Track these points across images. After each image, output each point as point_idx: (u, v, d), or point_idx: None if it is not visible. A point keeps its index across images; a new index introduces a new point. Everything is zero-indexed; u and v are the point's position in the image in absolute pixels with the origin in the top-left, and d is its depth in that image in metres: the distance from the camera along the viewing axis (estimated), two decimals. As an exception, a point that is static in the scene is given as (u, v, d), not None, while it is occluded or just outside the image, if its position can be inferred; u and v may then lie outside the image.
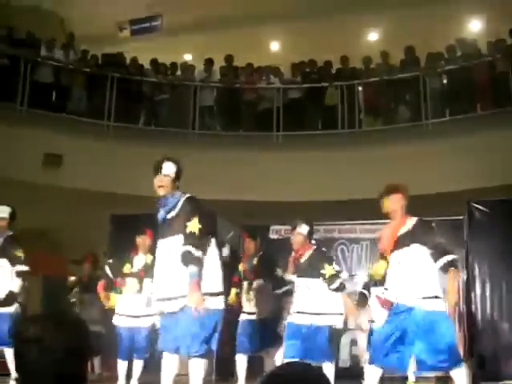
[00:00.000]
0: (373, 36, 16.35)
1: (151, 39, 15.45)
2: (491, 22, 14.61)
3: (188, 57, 16.23)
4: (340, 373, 9.44)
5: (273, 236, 10.84)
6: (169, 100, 13.27)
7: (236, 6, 14.56)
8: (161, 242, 5.36)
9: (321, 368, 6.69)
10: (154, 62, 13.89)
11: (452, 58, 12.55)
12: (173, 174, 5.32)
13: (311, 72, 13.57)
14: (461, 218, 9.95)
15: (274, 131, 12.70)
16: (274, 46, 17.09)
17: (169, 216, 5.29)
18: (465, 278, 9.60)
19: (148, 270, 7.43)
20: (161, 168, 5.30)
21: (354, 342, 10.19)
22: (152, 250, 7.56)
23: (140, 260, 7.95)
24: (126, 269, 7.95)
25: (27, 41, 13.02)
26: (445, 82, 12.75)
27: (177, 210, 5.27)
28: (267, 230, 10.79)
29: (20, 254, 7.67)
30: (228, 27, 15.07)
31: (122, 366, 7.84)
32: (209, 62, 13.51)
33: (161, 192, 5.29)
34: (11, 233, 7.82)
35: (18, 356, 1.88)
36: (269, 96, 13.19)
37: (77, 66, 13.10)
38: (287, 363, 2.10)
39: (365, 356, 7.79)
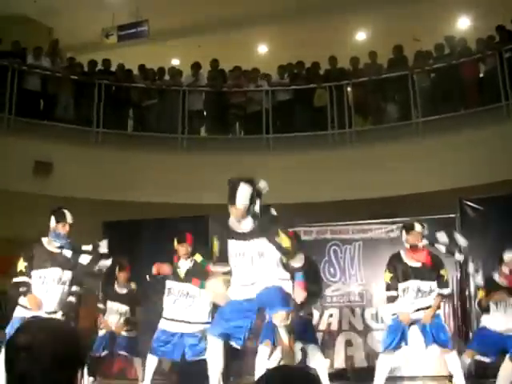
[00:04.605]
0: (361, 36, 16.36)
1: (138, 45, 15.41)
2: (479, 19, 14.63)
3: (175, 61, 16.21)
4: (335, 373, 9.46)
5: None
6: (157, 105, 13.20)
7: (222, 9, 14.49)
8: (245, 244, 5.34)
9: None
10: (141, 67, 13.84)
11: (441, 56, 12.54)
12: (247, 201, 5.17)
13: (299, 73, 13.54)
14: (453, 215, 9.96)
15: (263, 134, 12.64)
16: (262, 48, 17.09)
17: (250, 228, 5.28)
18: (458, 275, 9.60)
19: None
20: (235, 197, 5.12)
21: (348, 343, 10.17)
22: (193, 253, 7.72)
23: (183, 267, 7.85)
24: None
25: (14, 50, 12.93)
26: (434, 79, 12.74)
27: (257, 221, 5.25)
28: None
29: None
30: (215, 31, 15.05)
31: (151, 361, 7.68)
32: (196, 67, 13.46)
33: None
34: None
35: (7, 363, 1.84)
36: (257, 99, 13.14)
37: (64, 73, 13.02)
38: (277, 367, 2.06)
39: None
